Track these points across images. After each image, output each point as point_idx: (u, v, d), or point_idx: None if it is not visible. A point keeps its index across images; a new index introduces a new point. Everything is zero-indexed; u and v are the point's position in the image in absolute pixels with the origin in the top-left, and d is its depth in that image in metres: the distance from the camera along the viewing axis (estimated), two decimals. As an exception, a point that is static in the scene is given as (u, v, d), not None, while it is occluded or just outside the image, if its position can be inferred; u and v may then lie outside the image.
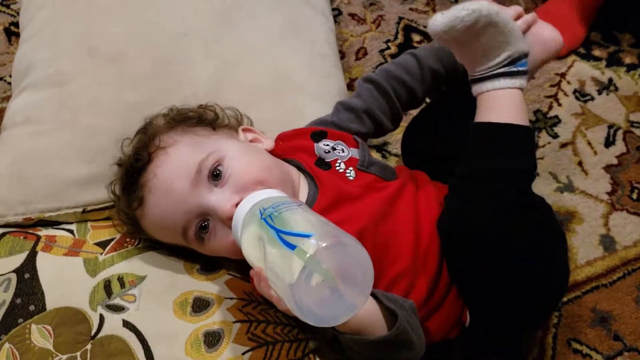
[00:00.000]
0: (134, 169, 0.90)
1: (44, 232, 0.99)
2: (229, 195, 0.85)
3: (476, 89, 0.88)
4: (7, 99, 1.29)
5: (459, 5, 0.81)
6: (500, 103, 0.85)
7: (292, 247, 0.65)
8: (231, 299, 0.90)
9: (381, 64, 1.40)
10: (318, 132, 0.98)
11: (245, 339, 0.85)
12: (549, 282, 0.88)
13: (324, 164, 0.93)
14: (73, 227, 1.01)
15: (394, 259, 0.86)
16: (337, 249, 0.66)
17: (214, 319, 0.87)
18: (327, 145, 0.95)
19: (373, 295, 0.78)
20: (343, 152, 0.94)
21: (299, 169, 0.95)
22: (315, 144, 0.95)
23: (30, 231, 1.00)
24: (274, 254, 0.69)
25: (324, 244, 0.65)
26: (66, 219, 1.02)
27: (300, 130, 1.01)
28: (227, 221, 0.84)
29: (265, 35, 1.19)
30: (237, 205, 0.82)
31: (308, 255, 0.63)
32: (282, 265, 0.67)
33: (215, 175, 0.87)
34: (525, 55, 0.87)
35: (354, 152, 0.95)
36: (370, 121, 1.01)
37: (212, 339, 0.84)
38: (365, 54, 1.43)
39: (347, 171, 0.92)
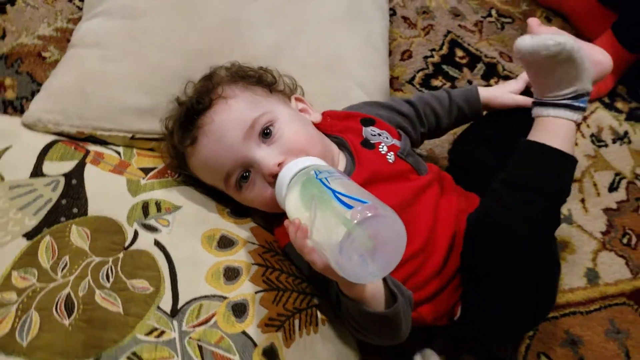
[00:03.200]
0: (194, 109, 0.97)
1: (93, 148, 1.07)
2: (274, 154, 0.93)
3: (538, 111, 0.95)
4: (73, 20, 1.37)
5: (547, 35, 0.89)
6: (557, 130, 0.93)
7: (349, 206, 0.72)
8: (253, 243, 0.98)
9: (423, 69, 1.48)
10: (368, 119, 1.06)
11: (260, 281, 0.93)
12: (541, 301, 0.96)
13: (369, 145, 1.01)
14: (120, 149, 1.09)
15: (407, 243, 0.94)
16: (385, 220, 0.72)
17: (235, 257, 0.95)
18: (374, 131, 1.03)
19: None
20: (387, 138, 1.02)
21: (343, 146, 1.02)
22: (363, 128, 1.04)
23: (81, 144, 1.07)
24: (324, 211, 0.75)
25: (375, 213, 0.71)
26: (114, 141, 1.10)
27: (351, 113, 1.09)
28: (268, 176, 0.92)
29: (328, 16, 1.27)
30: (279, 165, 0.90)
31: (361, 218, 0.70)
32: (330, 223, 0.73)
33: (266, 134, 0.95)
34: (588, 94, 0.94)
35: (396, 142, 1.03)
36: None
37: (231, 274, 0.92)
38: (410, 56, 1.50)
39: (388, 155, 1.00)
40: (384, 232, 0.73)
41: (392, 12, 1.56)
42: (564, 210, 1.32)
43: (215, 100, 0.97)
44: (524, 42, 0.90)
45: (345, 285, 0.82)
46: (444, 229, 0.97)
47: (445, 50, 1.53)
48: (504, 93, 1.13)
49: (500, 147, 1.10)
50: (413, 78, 1.46)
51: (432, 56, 1.51)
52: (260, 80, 1.04)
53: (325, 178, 0.80)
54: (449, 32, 1.57)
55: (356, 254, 0.72)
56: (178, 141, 0.99)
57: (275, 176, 0.90)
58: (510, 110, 1.13)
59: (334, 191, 0.76)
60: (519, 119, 1.08)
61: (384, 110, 1.11)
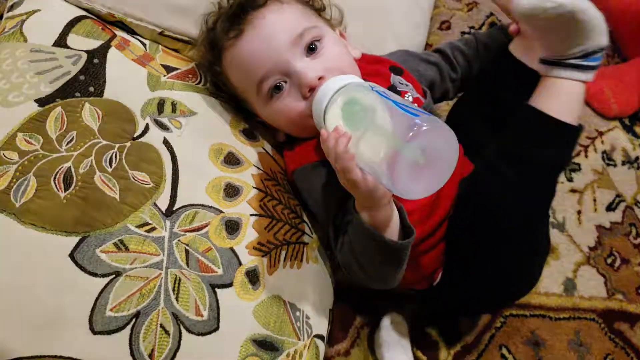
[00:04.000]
0: (247, 3, 0.94)
1: (120, 34, 1.05)
2: (316, 68, 0.90)
3: (544, 69, 0.91)
4: None
5: None
6: (562, 93, 0.88)
7: (413, 114, 0.70)
8: (258, 168, 0.97)
9: (458, 43, 1.47)
10: (397, 68, 1.04)
11: (257, 205, 0.93)
12: (521, 279, 0.96)
13: (395, 92, 0.99)
14: (146, 42, 1.07)
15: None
16: (441, 134, 0.71)
17: (238, 176, 0.94)
18: (402, 81, 1.02)
19: (400, 210, 0.85)
20: (413, 91, 1.02)
21: None
22: (392, 74, 1.02)
23: (109, 27, 1.05)
24: (379, 122, 0.73)
25: (432, 126, 0.69)
26: (142, 33, 1.08)
27: (381, 58, 1.08)
28: (305, 88, 0.89)
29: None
30: (320, 79, 0.88)
31: (422, 129, 0.68)
32: (386, 134, 0.71)
33: (311, 49, 0.92)
34: (602, 49, 0.86)
35: (420, 97, 1.02)
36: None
37: (231, 191, 0.92)
38: (449, 28, 1.49)
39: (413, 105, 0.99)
40: (439, 146, 0.71)
41: (441, -19, 1.55)
42: (559, 217, 1.32)
43: (271, 1, 0.94)
44: (521, 2, 0.84)
45: (370, 207, 0.81)
46: (448, 192, 0.97)
47: (483, 30, 1.51)
48: None
49: (496, 123, 1.08)
50: (446, 50, 1.45)
51: (469, 33, 1.49)
52: (311, 3, 1.02)
53: (382, 91, 0.77)
54: (491, 14, 1.55)
55: (410, 166, 0.70)
56: (222, 31, 0.95)
57: (311, 90, 0.88)
58: (507, 84, 1.05)
59: (394, 102, 0.73)
60: (517, 93, 1.06)
61: (412, 57, 1.10)
